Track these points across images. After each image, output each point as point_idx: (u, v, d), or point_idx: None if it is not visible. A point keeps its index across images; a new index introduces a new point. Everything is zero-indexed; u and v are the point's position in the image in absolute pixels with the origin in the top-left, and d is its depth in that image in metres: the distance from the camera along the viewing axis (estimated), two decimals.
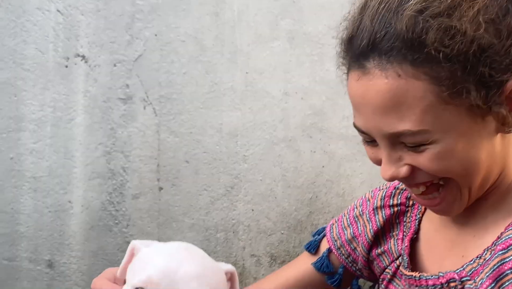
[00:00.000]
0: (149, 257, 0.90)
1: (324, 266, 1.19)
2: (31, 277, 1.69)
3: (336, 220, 1.21)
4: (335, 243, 1.17)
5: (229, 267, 0.95)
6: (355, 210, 1.17)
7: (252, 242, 1.82)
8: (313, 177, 1.86)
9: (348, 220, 1.17)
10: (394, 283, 1.08)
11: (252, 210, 1.83)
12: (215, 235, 1.79)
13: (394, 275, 1.08)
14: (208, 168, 1.78)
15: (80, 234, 1.71)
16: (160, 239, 1.76)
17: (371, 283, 1.19)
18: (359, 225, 1.14)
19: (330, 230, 1.20)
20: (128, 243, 1.73)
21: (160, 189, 1.76)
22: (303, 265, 1.23)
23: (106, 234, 1.73)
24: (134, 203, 1.74)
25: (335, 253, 1.18)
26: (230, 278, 0.95)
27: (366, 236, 1.11)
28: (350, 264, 1.16)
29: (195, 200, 1.78)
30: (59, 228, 1.70)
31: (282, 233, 1.84)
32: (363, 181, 1.89)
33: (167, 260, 0.88)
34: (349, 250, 1.15)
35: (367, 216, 1.12)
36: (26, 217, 1.67)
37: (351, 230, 1.15)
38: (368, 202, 1.14)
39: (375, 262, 1.11)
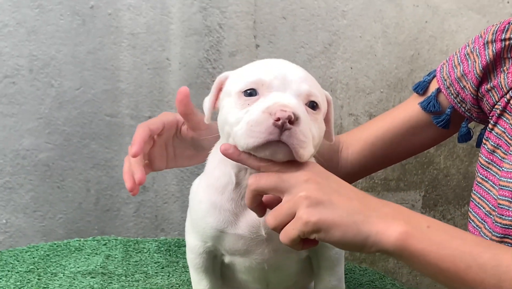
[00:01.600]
0: (250, 66, 0.87)
1: (431, 105, 1.15)
2: (132, 133, 1.69)
3: (447, 59, 1.16)
4: (445, 82, 1.13)
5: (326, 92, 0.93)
6: (467, 47, 1.11)
7: (350, 101, 1.79)
8: (415, 33, 1.79)
9: (459, 58, 1.12)
10: (504, 118, 1.04)
11: (351, 68, 1.78)
12: None
13: (504, 109, 1.04)
14: (306, 24, 1.73)
15: None
16: None
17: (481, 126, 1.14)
18: (469, 62, 1.09)
19: (440, 70, 1.16)
20: None
21: (257, 46, 1.73)
22: (411, 106, 1.20)
23: (203, 91, 1.72)
24: (231, 61, 1.72)
25: (444, 93, 1.14)
26: (327, 102, 0.92)
27: (475, 72, 1.06)
28: (459, 104, 1.12)
29: (292, 57, 1.75)
30: (158, 85, 1.71)
31: (382, 92, 1.79)
32: (468, 37, 1.80)
33: (274, 64, 0.85)
34: (458, 89, 1.11)
35: (477, 51, 1.07)
36: (126, 74, 1.69)
37: (461, 68, 1.10)
38: (480, 38, 1.08)
39: (484, 99, 1.07)
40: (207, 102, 0.91)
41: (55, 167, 1.68)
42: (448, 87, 1.13)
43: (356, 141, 1.24)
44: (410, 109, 1.20)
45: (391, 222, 0.78)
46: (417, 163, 1.82)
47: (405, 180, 1.82)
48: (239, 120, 0.81)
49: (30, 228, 1.67)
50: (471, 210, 1.09)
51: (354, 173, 1.23)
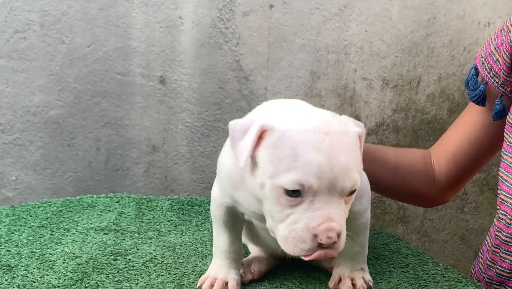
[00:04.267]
0: (292, 149, 0.77)
1: (470, 84, 1.15)
2: (144, 92, 1.70)
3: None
4: (481, 59, 1.13)
5: (359, 128, 0.86)
6: (505, 23, 1.10)
7: (364, 65, 1.76)
8: None
9: (496, 33, 1.12)
10: None
11: (366, 31, 1.75)
12: (326, 56, 1.74)
13: None
14: None
15: (191, 51, 1.69)
16: (270, 59, 1.73)
17: None
18: (503, 35, 1.08)
19: (481, 48, 1.15)
20: (238, 62, 1.72)
21: (271, 6, 1.70)
22: (472, 106, 1.20)
23: (216, 52, 1.70)
24: (244, 21, 1.70)
25: (479, 69, 1.13)
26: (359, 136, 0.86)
27: (509, 40, 1.04)
28: (492, 79, 1.11)
29: (306, 19, 1.72)
30: (170, 44, 1.68)
31: (396, 56, 1.77)
32: (485, 2, 1.77)
33: (317, 155, 0.77)
34: (491, 63, 1.10)
35: (511, 22, 1.05)
36: (138, 32, 1.66)
37: (496, 42, 1.09)
38: None
39: None
40: (243, 149, 0.80)
41: (66, 125, 1.66)
42: (483, 63, 1.12)
43: (440, 153, 1.25)
44: (473, 110, 1.19)
45: None
46: (429, 129, 1.81)
47: (417, 146, 1.81)
48: (282, 220, 0.80)
49: (40, 185, 1.67)
50: (503, 170, 1.09)
51: (448, 186, 1.24)
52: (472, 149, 1.20)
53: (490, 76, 1.11)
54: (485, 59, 1.12)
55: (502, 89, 1.11)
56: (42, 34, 1.61)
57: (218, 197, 0.95)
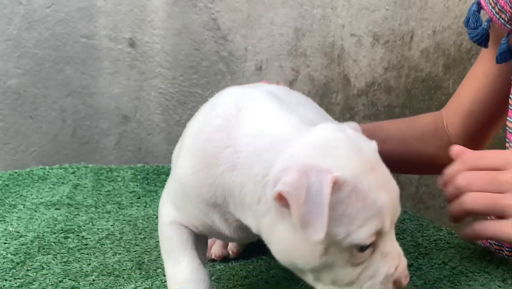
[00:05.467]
0: (364, 198, 0.62)
1: (471, 22, 1.01)
2: (112, 57, 1.56)
3: None
4: None
5: (373, 143, 0.70)
6: None
7: (352, 20, 1.61)
8: None
9: None
10: None
11: None
12: (311, 11, 1.59)
13: None
14: None
15: (162, 9, 1.55)
16: (249, 17, 1.58)
17: None
18: None
19: None
20: (214, 20, 1.57)
21: None
22: (484, 56, 1.09)
23: (190, 9, 1.56)
24: None
25: (483, 4, 0.99)
26: None
27: None
28: (498, 15, 0.98)
29: None
30: (139, 3, 1.54)
31: (387, 9, 1.62)
32: None
33: (385, 194, 0.64)
34: None
35: None
36: None
37: None
38: None
39: None
40: (318, 216, 0.60)
41: (27, 95, 1.53)
42: None
43: (454, 113, 1.14)
44: (485, 59, 1.08)
45: None
46: (424, 88, 1.66)
47: (410, 107, 1.67)
48: (353, 282, 0.65)
49: (0, 162, 1.53)
50: (510, 119, 0.96)
51: (469, 147, 1.11)
52: (488, 101, 1.08)
53: (495, 11, 0.97)
54: None
55: (509, 26, 0.97)
56: None
57: (176, 217, 0.74)
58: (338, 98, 1.64)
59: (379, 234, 0.63)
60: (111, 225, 0.95)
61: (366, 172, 0.63)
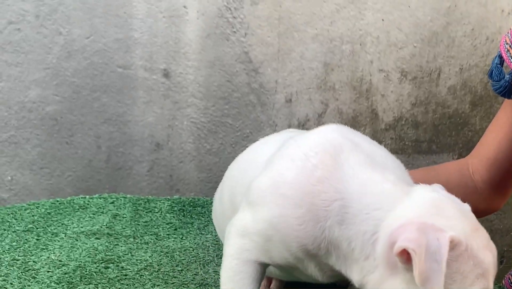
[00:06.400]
0: (475, 257, 0.66)
1: (494, 74, 1.04)
2: (146, 86, 1.60)
3: None
4: (505, 46, 1.02)
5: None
6: None
7: (380, 56, 1.65)
8: None
9: None
10: None
11: (382, 20, 1.64)
12: (340, 47, 1.63)
13: None
14: None
15: (196, 42, 1.59)
16: (280, 51, 1.62)
17: None
18: None
19: (506, 35, 1.04)
20: (246, 53, 1.61)
21: None
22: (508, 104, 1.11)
23: (223, 43, 1.60)
24: (253, 10, 1.59)
25: (504, 57, 1.02)
26: None
27: None
28: None
29: (318, 7, 1.61)
30: (174, 35, 1.59)
31: (415, 46, 1.66)
32: None
33: (490, 254, 0.68)
34: None
35: None
36: (140, 22, 1.57)
37: None
38: None
39: None
40: (437, 274, 0.63)
41: (64, 121, 1.57)
42: (508, 50, 1.01)
43: (480, 161, 1.15)
44: (508, 108, 1.11)
45: None
46: (451, 124, 1.69)
47: (437, 142, 1.70)
48: None
49: (36, 185, 1.58)
50: None
51: (495, 193, 1.13)
52: None
53: None
54: (510, 46, 1.01)
55: None
56: (37, 25, 1.52)
57: (243, 250, 0.73)
58: (366, 132, 1.67)
59: None
60: (149, 256, 0.99)
61: (473, 232, 0.66)
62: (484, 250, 0.66)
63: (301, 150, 0.73)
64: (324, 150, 0.71)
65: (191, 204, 1.18)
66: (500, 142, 1.11)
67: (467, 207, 0.71)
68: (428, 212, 0.67)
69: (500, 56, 1.03)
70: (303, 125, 1.65)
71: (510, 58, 1.01)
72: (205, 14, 1.58)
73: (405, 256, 0.63)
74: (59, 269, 0.93)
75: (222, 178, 0.97)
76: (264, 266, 0.75)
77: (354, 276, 0.69)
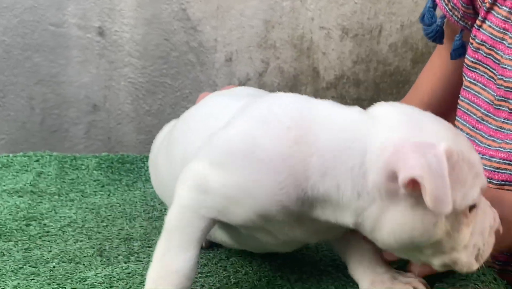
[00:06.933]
0: (469, 162, 0.66)
1: (426, 18, 1.03)
2: (81, 45, 1.55)
3: None
4: None
5: None
6: None
7: (321, 13, 1.63)
8: None
9: None
10: (493, 12, 0.92)
11: None
12: (281, 3, 1.60)
13: (494, 2, 0.91)
14: None
15: None
16: (219, 8, 1.59)
17: None
18: None
19: None
20: (184, 10, 1.57)
21: None
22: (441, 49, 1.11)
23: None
24: None
25: (437, 1, 1.00)
26: None
27: None
28: (451, 12, 0.99)
29: None
30: None
31: (356, 3, 1.64)
32: None
33: (474, 152, 0.69)
34: None
35: None
36: None
37: None
38: None
39: None
40: (444, 189, 0.61)
41: None
42: None
43: (414, 105, 1.12)
44: (442, 52, 1.09)
45: None
46: (392, 82, 1.69)
47: (379, 100, 1.67)
48: (468, 243, 0.68)
49: None
50: (459, 118, 0.98)
51: None
52: (447, 93, 1.09)
53: (449, 8, 0.99)
54: None
55: (462, 23, 0.98)
56: None
57: (201, 206, 0.70)
58: (307, 91, 1.65)
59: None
60: (74, 213, 0.96)
61: (456, 137, 0.67)
62: (471, 151, 0.67)
63: (272, 111, 0.70)
64: (293, 109, 0.70)
65: (120, 160, 1.14)
66: (433, 87, 1.10)
67: (431, 114, 0.70)
68: (411, 130, 0.66)
69: (433, 0, 1.02)
70: (244, 84, 1.62)
71: (442, 1, 1.00)
72: None
73: (411, 185, 0.62)
74: None
75: (161, 137, 0.94)
76: (216, 222, 0.73)
77: (347, 220, 0.67)
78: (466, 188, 0.64)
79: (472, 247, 0.68)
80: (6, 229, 0.89)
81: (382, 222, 0.65)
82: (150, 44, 1.58)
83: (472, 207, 0.66)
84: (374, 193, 0.64)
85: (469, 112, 0.96)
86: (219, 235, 0.79)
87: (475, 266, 0.69)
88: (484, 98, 0.93)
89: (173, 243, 0.70)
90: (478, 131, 0.94)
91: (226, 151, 0.70)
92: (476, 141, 0.93)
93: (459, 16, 0.98)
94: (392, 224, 0.65)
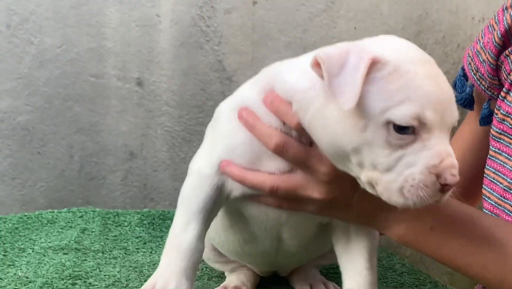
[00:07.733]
0: (409, 80, 0.66)
1: (458, 85, 1.06)
2: (120, 95, 1.60)
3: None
4: (468, 59, 1.03)
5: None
6: (494, 19, 1.00)
7: None
8: None
9: (483, 30, 1.01)
10: None
11: (355, 28, 1.65)
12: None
13: None
14: None
15: (169, 51, 1.59)
16: (254, 58, 1.63)
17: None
18: (490, 32, 0.97)
19: (470, 48, 1.05)
20: (220, 62, 1.61)
21: (254, 3, 1.60)
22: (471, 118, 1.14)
23: (196, 51, 1.60)
24: (226, 19, 1.59)
25: (466, 70, 1.03)
26: None
27: (494, 40, 0.94)
28: (478, 82, 1.01)
29: (292, 16, 1.62)
30: (147, 44, 1.58)
31: None
32: None
33: (433, 85, 0.67)
34: (477, 64, 1.00)
35: (496, 18, 0.95)
36: (112, 31, 1.56)
37: (483, 40, 0.98)
38: (505, 11, 0.96)
39: (502, 67, 0.95)
40: (350, 86, 0.64)
41: (35, 131, 1.56)
42: (470, 63, 1.02)
43: None
44: (472, 119, 1.12)
45: (393, 225, 0.79)
46: None
47: None
48: (391, 168, 0.67)
49: (8, 196, 1.56)
50: (485, 187, 0.99)
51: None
52: (477, 160, 1.09)
53: (476, 78, 1.00)
54: (472, 59, 1.01)
55: (489, 93, 1.00)
56: (8, 34, 1.51)
57: (208, 173, 0.79)
58: None
59: (422, 124, 0.66)
60: (118, 272, 0.98)
61: (416, 62, 0.67)
62: (425, 80, 0.66)
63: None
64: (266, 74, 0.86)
65: (161, 217, 1.17)
66: (464, 153, 1.11)
67: (414, 46, 0.72)
68: (369, 41, 0.71)
69: (464, 69, 1.04)
70: None
71: (471, 71, 1.01)
72: (178, 23, 1.58)
73: (317, 65, 0.67)
74: (26, 286, 0.92)
75: None
76: (221, 192, 0.79)
77: (305, 120, 0.73)
78: (391, 103, 0.65)
79: (396, 174, 0.66)
80: (53, 288, 0.92)
81: (318, 119, 0.70)
82: (186, 94, 1.62)
83: (403, 131, 0.65)
84: (318, 88, 0.70)
85: (495, 181, 0.97)
86: (221, 247, 0.90)
87: (395, 196, 0.67)
88: (509, 168, 0.94)
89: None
90: (506, 200, 0.94)
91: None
92: (506, 211, 0.93)
93: (486, 86, 0.99)
94: (323, 122, 0.69)
